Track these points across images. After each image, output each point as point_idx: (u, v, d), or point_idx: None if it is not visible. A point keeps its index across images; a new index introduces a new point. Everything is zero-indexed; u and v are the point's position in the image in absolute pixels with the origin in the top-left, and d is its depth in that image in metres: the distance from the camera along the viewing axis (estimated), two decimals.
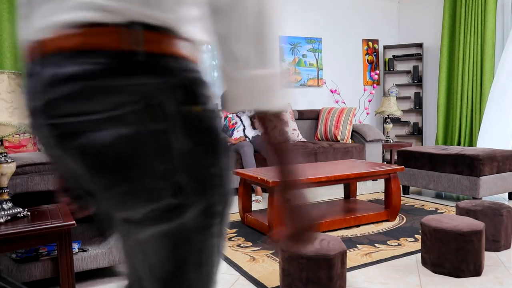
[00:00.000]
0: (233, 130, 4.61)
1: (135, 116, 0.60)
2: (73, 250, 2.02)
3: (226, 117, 4.62)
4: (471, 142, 5.87)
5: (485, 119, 5.46)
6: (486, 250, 2.52)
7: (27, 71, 0.67)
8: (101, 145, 0.60)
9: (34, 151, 2.67)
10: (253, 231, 3.03)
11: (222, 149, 0.72)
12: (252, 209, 3.44)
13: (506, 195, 4.07)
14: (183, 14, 0.66)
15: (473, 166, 3.60)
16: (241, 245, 2.71)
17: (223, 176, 0.72)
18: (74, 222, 1.65)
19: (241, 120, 4.65)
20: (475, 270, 2.13)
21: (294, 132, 5.23)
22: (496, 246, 2.52)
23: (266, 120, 0.73)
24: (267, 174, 2.97)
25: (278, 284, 2.07)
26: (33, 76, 0.65)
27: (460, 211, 2.67)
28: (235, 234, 2.98)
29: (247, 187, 3.23)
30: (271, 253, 2.55)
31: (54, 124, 0.62)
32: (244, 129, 4.63)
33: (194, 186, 0.65)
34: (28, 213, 1.74)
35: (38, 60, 0.64)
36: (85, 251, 2.04)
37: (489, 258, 2.41)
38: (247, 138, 4.56)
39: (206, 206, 0.68)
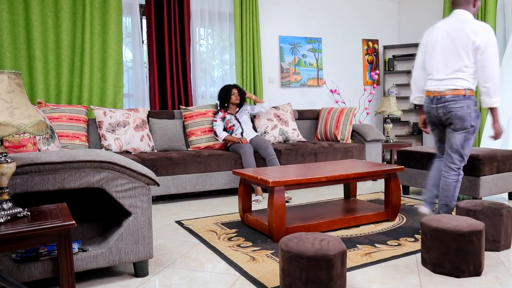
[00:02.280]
0: (231, 132, 4.59)
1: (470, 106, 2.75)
2: (73, 250, 2.02)
3: (224, 118, 4.61)
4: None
5: (489, 118, 5.46)
6: (486, 250, 2.52)
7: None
8: (457, 114, 2.73)
9: (34, 151, 2.67)
10: (253, 231, 3.03)
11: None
12: (252, 209, 3.44)
13: (506, 195, 4.07)
14: None
15: (473, 166, 3.60)
16: (241, 245, 2.71)
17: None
18: (74, 222, 1.65)
19: (239, 123, 4.63)
20: (475, 270, 2.13)
21: (294, 132, 5.22)
22: (496, 246, 2.52)
23: (493, 110, 2.73)
24: (267, 174, 2.97)
25: (278, 284, 2.07)
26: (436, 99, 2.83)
27: (460, 211, 2.67)
28: (235, 234, 2.98)
29: (247, 187, 3.23)
30: (271, 253, 2.55)
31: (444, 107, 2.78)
32: (242, 133, 4.60)
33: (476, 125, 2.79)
34: (28, 213, 1.74)
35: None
36: (85, 251, 2.04)
37: (489, 258, 2.41)
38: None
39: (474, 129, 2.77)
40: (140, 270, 2.21)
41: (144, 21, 5.10)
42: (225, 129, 4.58)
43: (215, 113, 4.71)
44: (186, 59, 5.18)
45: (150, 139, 4.40)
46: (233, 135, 4.56)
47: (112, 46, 4.71)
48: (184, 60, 5.18)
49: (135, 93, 5.10)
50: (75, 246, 2.08)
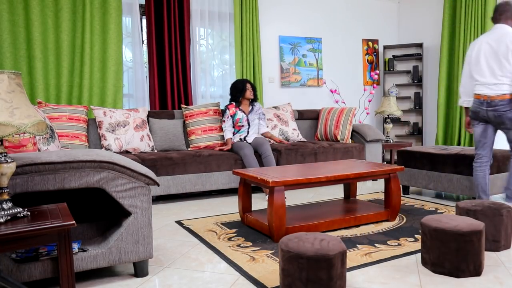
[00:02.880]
0: (238, 131, 4.57)
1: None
2: (73, 250, 2.03)
3: (234, 115, 4.54)
4: (471, 142, 5.87)
5: None
6: (486, 250, 2.52)
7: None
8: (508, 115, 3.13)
9: (34, 151, 2.67)
10: (253, 231, 3.03)
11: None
12: (252, 209, 3.44)
13: (505, 195, 4.06)
14: None
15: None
16: (241, 245, 2.71)
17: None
18: (74, 222, 1.65)
19: (248, 125, 4.58)
20: (475, 270, 2.13)
21: (294, 132, 5.22)
22: (496, 246, 2.52)
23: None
24: (267, 174, 2.97)
25: (278, 284, 2.07)
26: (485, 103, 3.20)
27: (460, 211, 2.67)
28: (235, 234, 2.98)
29: (247, 187, 3.23)
30: (271, 253, 2.55)
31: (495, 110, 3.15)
32: (245, 137, 4.58)
33: None
34: (28, 213, 1.74)
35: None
36: (85, 251, 2.04)
37: (489, 258, 2.41)
38: (245, 140, 4.53)
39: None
40: (140, 270, 2.21)
41: (144, 21, 5.10)
42: (233, 124, 4.56)
43: (223, 112, 4.68)
44: (186, 59, 5.18)
45: (150, 139, 4.40)
46: (237, 134, 4.55)
47: (112, 46, 4.71)
48: (184, 60, 5.18)
49: (135, 93, 5.11)
50: (75, 246, 2.08)
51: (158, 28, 5.03)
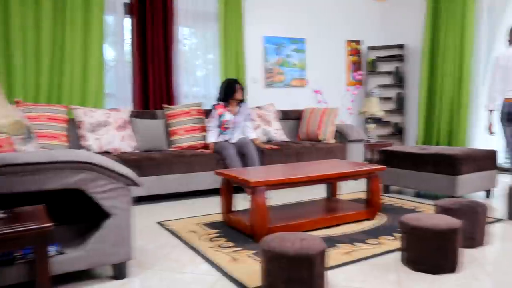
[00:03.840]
0: (223, 132, 4.54)
1: None
2: (51, 252, 1.99)
3: (221, 116, 4.47)
4: (450, 142, 5.97)
5: (476, 119, 5.58)
6: (462, 247, 2.56)
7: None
8: None
9: (11, 151, 2.62)
10: (235, 232, 3.03)
11: None
12: (235, 210, 3.43)
13: (483, 193, 4.15)
14: None
15: (452, 165, 3.66)
16: (223, 246, 2.71)
17: None
18: (51, 224, 1.63)
19: (234, 127, 4.53)
20: (452, 267, 2.17)
21: (277, 132, 5.24)
22: (471, 243, 2.57)
23: None
24: (249, 174, 2.98)
25: (260, 284, 2.07)
26: None
27: (439, 210, 2.71)
28: (217, 234, 2.97)
29: (230, 188, 3.23)
30: (253, 253, 2.55)
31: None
32: (230, 138, 4.54)
33: None
34: (4, 215, 1.71)
35: None
36: (62, 253, 2.01)
37: (465, 254, 2.45)
38: (229, 141, 4.51)
39: None
40: (119, 272, 2.19)
41: (128, 20, 5.05)
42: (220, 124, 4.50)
43: (207, 112, 4.63)
44: (169, 58, 5.15)
45: (131, 139, 4.36)
46: (221, 135, 4.52)
47: (94, 45, 4.66)
48: (167, 60, 5.15)
49: (117, 92, 5.06)
50: (53, 249, 2.05)
51: (141, 27, 4.99)
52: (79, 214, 2.53)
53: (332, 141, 5.23)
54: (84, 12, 4.62)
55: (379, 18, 7.18)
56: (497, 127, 4.37)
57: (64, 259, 1.99)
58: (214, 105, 4.53)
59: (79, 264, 2.04)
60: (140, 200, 4.17)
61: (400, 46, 6.73)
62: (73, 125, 4.26)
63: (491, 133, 4.29)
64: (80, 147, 4.18)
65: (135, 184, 2.19)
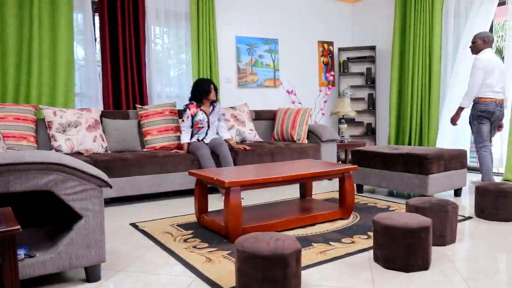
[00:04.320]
0: (197, 132, 4.50)
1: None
2: (19, 256, 1.93)
3: (195, 116, 4.42)
4: (421, 141, 6.12)
5: (444, 119, 5.71)
6: (433, 245, 2.63)
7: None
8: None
9: None
10: (209, 232, 3.01)
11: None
12: (209, 210, 3.42)
13: (452, 192, 4.27)
14: None
15: (422, 165, 3.75)
16: (197, 247, 2.69)
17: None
18: (19, 227, 1.57)
19: (208, 127, 4.51)
20: (423, 265, 2.22)
21: (251, 132, 5.24)
22: (442, 241, 2.64)
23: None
24: (223, 174, 2.97)
25: (234, 284, 2.07)
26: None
27: (410, 208, 2.77)
28: (191, 235, 2.95)
29: (204, 188, 3.21)
30: (227, 254, 2.54)
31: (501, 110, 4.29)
32: (204, 137, 4.53)
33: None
34: None
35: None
36: (32, 256, 1.95)
37: (436, 252, 2.51)
38: (203, 141, 4.49)
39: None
40: (92, 275, 2.14)
41: (97, 18, 4.95)
42: (193, 124, 4.46)
43: (180, 112, 4.58)
44: (141, 58, 5.08)
45: (103, 140, 4.27)
46: (195, 135, 4.49)
47: (63, 43, 4.54)
48: (139, 59, 5.08)
49: (87, 92, 4.95)
50: (21, 252, 1.98)
51: (111, 26, 4.90)
52: (49, 216, 2.46)
53: (306, 141, 5.28)
54: (52, 10, 4.50)
55: (350, 20, 7.29)
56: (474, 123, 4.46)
57: (34, 262, 1.93)
58: (187, 105, 4.48)
59: (50, 268, 1.99)
60: (113, 201, 4.10)
61: (371, 48, 6.85)
62: (42, 125, 4.14)
63: (455, 124, 4.52)
64: (50, 148, 4.07)
65: (107, 185, 2.15)
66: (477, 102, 4.27)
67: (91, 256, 2.10)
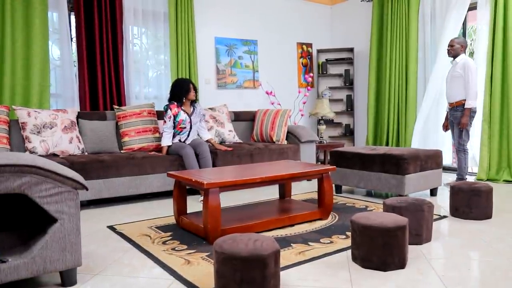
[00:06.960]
0: (179, 133, 4.45)
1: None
2: None
3: (176, 116, 4.36)
4: (398, 142, 6.22)
5: (419, 120, 5.80)
6: (409, 244, 2.67)
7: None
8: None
9: None
10: (188, 234, 2.99)
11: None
12: (188, 212, 3.40)
13: (428, 191, 4.35)
14: None
15: (399, 165, 3.81)
16: (176, 249, 2.67)
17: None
18: None
19: (190, 127, 4.48)
20: (400, 263, 2.26)
21: (230, 133, 5.23)
22: (418, 239, 2.68)
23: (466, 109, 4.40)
24: (202, 176, 2.95)
25: (213, 286, 2.06)
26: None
27: (387, 208, 2.81)
28: (170, 237, 2.92)
29: (182, 190, 3.19)
30: (206, 255, 2.53)
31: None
32: (186, 138, 4.49)
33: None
34: None
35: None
36: (4, 261, 1.90)
37: (412, 251, 2.56)
38: (185, 142, 4.45)
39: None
40: (67, 279, 2.10)
41: (73, 17, 4.86)
42: (174, 125, 4.40)
43: (159, 112, 4.52)
44: (119, 58, 5.01)
45: (80, 141, 4.20)
46: (177, 136, 4.44)
47: (37, 43, 4.45)
48: (116, 59, 5.01)
49: (63, 93, 4.86)
50: None
51: (88, 25, 4.82)
52: (21, 219, 2.40)
53: (285, 142, 5.30)
54: (25, 8, 4.40)
55: (329, 21, 7.36)
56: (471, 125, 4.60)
57: (6, 267, 1.88)
58: (167, 105, 4.41)
59: (24, 273, 1.94)
60: (90, 204, 4.03)
61: (349, 50, 6.93)
62: (15, 126, 4.04)
63: (447, 130, 4.79)
64: (24, 149, 3.97)
65: (83, 187, 2.11)
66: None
67: (67, 260, 2.06)
